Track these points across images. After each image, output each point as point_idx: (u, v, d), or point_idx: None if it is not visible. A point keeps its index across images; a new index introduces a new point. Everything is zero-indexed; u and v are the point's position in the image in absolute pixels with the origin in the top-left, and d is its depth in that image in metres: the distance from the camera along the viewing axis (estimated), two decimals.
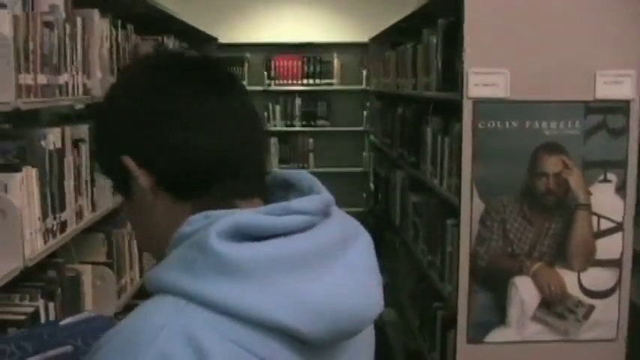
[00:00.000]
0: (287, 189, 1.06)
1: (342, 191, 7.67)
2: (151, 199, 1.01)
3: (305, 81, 7.85)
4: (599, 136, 2.89)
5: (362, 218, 5.76)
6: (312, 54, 7.84)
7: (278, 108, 7.90)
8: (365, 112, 7.71)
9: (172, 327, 0.86)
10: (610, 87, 2.86)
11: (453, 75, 3.04)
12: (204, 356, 0.84)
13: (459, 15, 2.86)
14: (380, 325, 5.52)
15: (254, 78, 7.84)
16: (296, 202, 0.95)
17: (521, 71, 2.84)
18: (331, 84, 7.84)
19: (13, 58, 1.86)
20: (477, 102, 2.84)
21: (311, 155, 7.92)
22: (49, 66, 2.18)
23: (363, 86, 7.72)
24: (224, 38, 7.05)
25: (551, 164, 2.90)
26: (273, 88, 7.83)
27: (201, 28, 5.70)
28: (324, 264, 0.93)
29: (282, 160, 7.92)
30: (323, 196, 1.00)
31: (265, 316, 0.88)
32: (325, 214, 0.99)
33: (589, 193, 2.91)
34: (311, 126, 7.92)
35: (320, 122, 7.93)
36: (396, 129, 4.91)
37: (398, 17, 4.76)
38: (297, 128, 7.92)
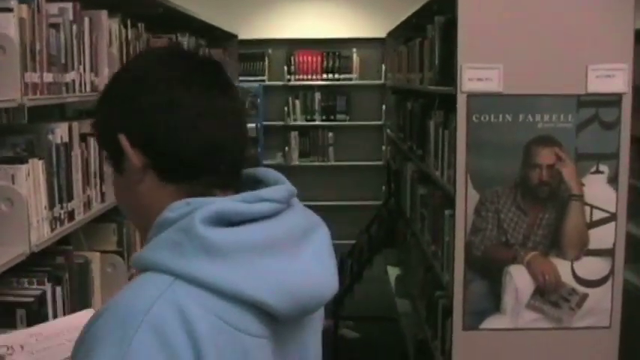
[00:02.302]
0: (257, 183, 1.18)
1: (362, 185, 7.88)
2: (139, 177, 1.12)
3: (325, 76, 7.95)
4: (592, 128, 2.97)
5: (377, 211, 5.89)
6: (331, 49, 7.94)
7: (298, 102, 8.01)
8: (384, 107, 7.79)
9: (164, 299, 0.98)
10: (602, 81, 2.94)
11: (450, 70, 3.13)
12: (190, 325, 0.97)
13: (455, 12, 2.96)
14: (394, 317, 5.63)
15: (274, 73, 7.96)
16: (265, 191, 1.09)
17: (515, 66, 2.93)
18: (350, 79, 7.93)
19: (18, 58, 2.00)
20: (471, 96, 2.94)
21: (331, 149, 8.01)
22: (57, 65, 2.32)
23: (382, 81, 7.81)
24: (245, 35, 7.16)
25: (545, 156, 2.98)
26: (293, 83, 7.95)
27: (222, 25, 5.83)
28: (291, 247, 1.07)
29: (302, 154, 8.03)
30: (287, 186, 1.14)
31: (242, 292, 1.01)
32: (289, 203, 1.13)
33: (582, 184, 2.99)
34: (331, 120, 8.02)
35: (340, 117, 8.02)
36: (407, 123, 5.01)
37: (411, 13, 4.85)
38: (317, 122, 8.02)
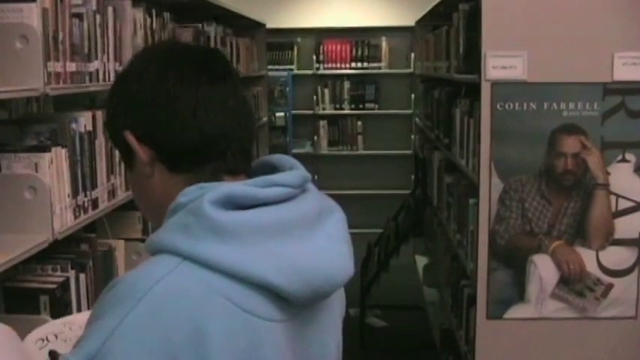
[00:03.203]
0: (272, 169, 1.19)
1: (390, 174, 7.87)
2: (149, 171, 1.15)
3: (354, 64, 7.94)
4: (618, 117, 2.94)
5: (404, 200, 5.87)
6: (360, 38, 7.92)
7: (327, 91, 8.02)
8: (413, 96, 7.76)
9: (168, 280, 1.00)
10: (628, 68, 2.90)
11: (474, 58, 3.11)
12: (195, 306, 0.99)
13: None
14: (421, 306, 5.63)
15: (303, 62, 7.98)
16: (277, 176, 1.10)
17: (539, 53, 2.90)
18: (379, 67, 7.92)
19: (41, 48, 2.03)
20: (495, 84, 2.92)
21: (360, 138, 8.01)
22: (80, 54, 2.34)
23: (411, 69, 7.77)
24: (273, 24, 7.17)
25: (570, 145, 2.95)
26: (322, 71, 7.95)
27: (249, 14, 5.84)
28: (304, 231, 1.08)
29: (332, 143, 8.04)
30: (301, 171, 1.15)
31: (251, 273, 1.02)
32: (303, 188, 1.14)
33: (607, 173, 2.96)
34: (360, 109, 8.01)
35: (368, 105, 8.01)
36: (434, 111, 5.00)
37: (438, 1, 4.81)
38: (346, 111, 8.02)
